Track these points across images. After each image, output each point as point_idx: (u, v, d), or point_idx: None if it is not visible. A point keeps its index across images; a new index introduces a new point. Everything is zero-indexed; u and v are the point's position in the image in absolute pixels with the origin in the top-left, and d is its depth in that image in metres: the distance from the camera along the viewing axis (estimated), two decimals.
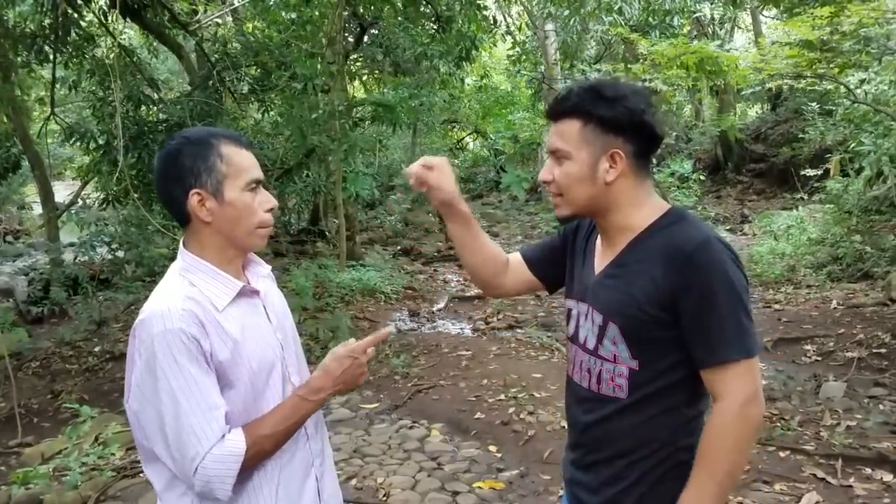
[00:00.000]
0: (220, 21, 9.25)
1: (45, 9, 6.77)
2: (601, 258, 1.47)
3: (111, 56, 6.97)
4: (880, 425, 3.96)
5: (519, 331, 6.79)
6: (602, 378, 1.41)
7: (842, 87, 7.67)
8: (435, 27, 9.26)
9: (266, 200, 1.41)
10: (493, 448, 4.06)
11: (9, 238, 14.66)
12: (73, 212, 8.75)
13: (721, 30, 15.31)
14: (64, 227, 9.36)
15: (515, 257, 1.70)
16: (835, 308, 6.60)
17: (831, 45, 6.16)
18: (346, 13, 8.51)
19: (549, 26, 10.88)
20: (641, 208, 1.39)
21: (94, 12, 7.55)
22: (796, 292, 7.51)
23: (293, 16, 8.36)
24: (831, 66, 6.50)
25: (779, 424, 4.07)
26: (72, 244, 9.18)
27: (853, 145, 8.01)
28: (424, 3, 8.86)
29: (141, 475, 3.67)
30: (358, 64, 12.23)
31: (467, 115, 17.42)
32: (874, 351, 5.31)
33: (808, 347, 5.67)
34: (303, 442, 1.47)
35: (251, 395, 1.36)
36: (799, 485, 3.36)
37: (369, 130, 10.55)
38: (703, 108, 17.59)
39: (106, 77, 7.07)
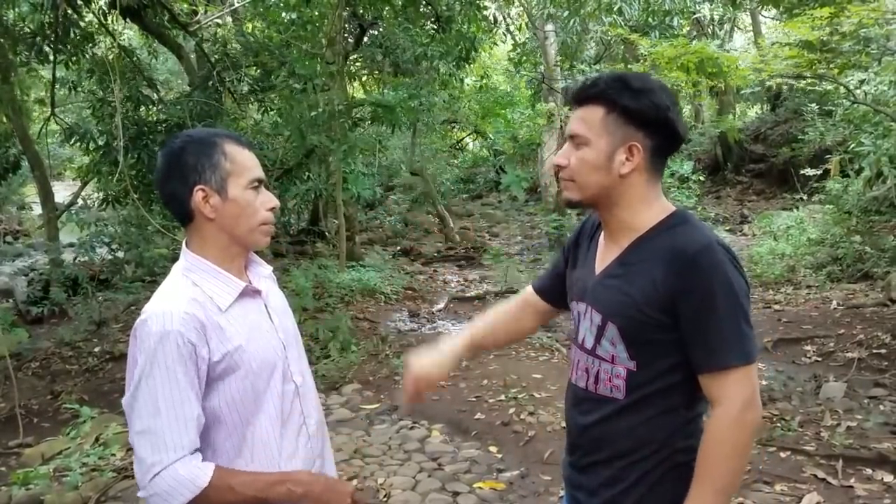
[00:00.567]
0: (219, 21, 9.24)
1: (44, 8, 6.77)
2: (603, 258, 1.46)
3: (111, 56, 6.96)
4: (880, 426, 3.96)
5: None
6: (600, 378, 1.41)
7: (841, 87, 7.68)
8: (435, 27, 9.26)
9: (268, 200, 1.43)
10: (493, 448, 4.06)
11: (8, 238, 14.64)
12: (72, 212, 8.74)
13: (721, 30, 15.31)
14: (64, 228, 9.35)
15: (529, 293, 1.75)
16: (835, 308, 6.60)
17: (831, 45, 6.16)
18: (345, 13, 8.51)
19: (549, 27, 10.87)
20: (649, 208, 1.39)
21: (93, 13, 7.54)
22: (796, 293, 7.51)
23: (293, 16, 8.36)
24: (831, 66, 6.50)
25: (779, 425, 4.07)
26: (71, 244, 9.18)
27: (853, 146, 8.01)
28: (424, 3, 8.86)
29: None
30: (358, 64, 12.23)
31: (467, 115, 17.40)
32: (874, 351, 5.30)
33: (808, 348, 5.67)
34: (304, 441, 1.47)
35: (251, 396, 1.36)
36: (799, 485, 3.36)
37: (369, 131, 10.56)
38: (703, 109, 17.60)
39: (106, 77, 7.07)
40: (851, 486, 3.32)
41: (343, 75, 9.13)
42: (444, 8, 8.93)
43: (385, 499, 3.47)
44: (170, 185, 1.38)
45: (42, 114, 11.47)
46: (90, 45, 7.57)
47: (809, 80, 7.14)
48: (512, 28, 13.19)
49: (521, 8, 12.11)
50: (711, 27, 15.14)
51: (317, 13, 8.38)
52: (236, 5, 8.91)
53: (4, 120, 9.06)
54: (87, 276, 7.85)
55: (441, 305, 8.34)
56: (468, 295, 8.85)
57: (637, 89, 1.33)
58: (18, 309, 8.25)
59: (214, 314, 1.34)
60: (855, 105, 8.08)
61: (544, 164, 11.19)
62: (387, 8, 8.78)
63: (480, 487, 3.56)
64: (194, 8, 8.75)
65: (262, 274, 1.53)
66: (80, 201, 9.81)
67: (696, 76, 7.27)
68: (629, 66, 8.40)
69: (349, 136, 8.01)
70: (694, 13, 12.05)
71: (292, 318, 1.59)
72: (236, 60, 7.82)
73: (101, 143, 7.46)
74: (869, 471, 3.46)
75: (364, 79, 13.64)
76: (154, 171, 1.49)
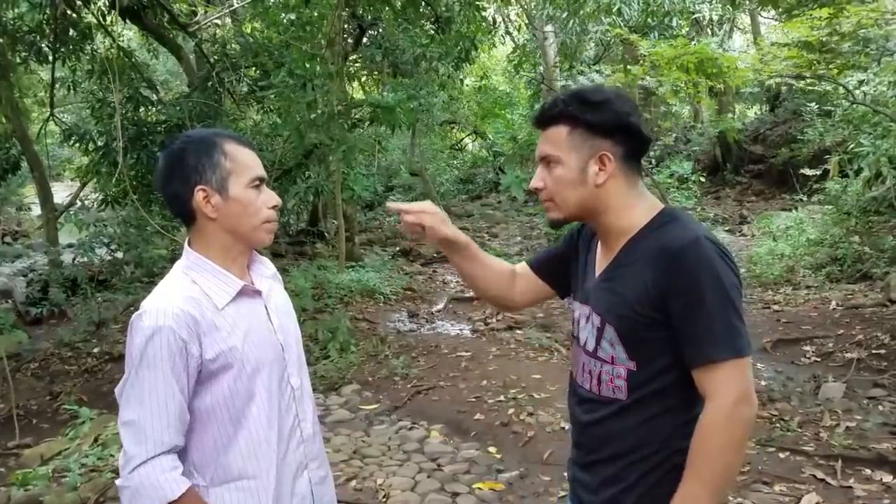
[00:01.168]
0: (219, 22, 9.24)
1: (43, 7, 6.77)
2: (601, 261, 1.48)
3: (110, 54, 6.96)
4: (880, 426, 3.96)
5: (518, 332, 6.78)
6: (602, 380, 1.42)
7: (841, 88, 7.68)
8: (434, 28, 9.27)
9: (269, 198, 1.43)
10: (492, 449, 4.06)
11: (8, 239, 14.65)
12: (72, 213, 8.73)
13: (720, 31, 15.32)
14: (63, 229, 9.34)
15: (522, 267, 1.72)
16: (834, 309, 6.60)
17: (830, 46, 6.17)
18: (345, 14, 8.50)
19: (549, 28, 10.89)
20: (633, 209, 1.41)
21: (92, 13, 7.54)
22: (795, 293, 7.51)
23: (292, 17, 8.36)
24: (830, 67, 6.50)
25: (778, 425, 4.08)
26: (71, 245, 9.17)
27: (852, 146, 8.02)
28: (423, 4, 8.87)
29: None
30: (357, 65, 12.23)
31: (466, 115, 17.42)
32: (873, 352, 5.30)
33: (808, 348, 5.67)
34: (297, 444, 1.47)
35: (244, 396, 1.36)
36: (799, 486, 3.36)
37: (368, 131, 10.55)
38: (702, 109, 17.58)
39: (105, 77, 7.07)
40: (850, 487, 3.32)
41: (342, 76, 9.13)
42: (444, 9, 8.94)
43: (384, 499, 3.47)
44: (171, 187, 1.39)
45: (41, 114, 11.47)
46: (89, 42, 7.57)
47: (809, 81, 7.15)
48: (511, 29, 13.21)
49: (521, 9, 12.12)
50: (711, 27, 15.15)
51: (316, 14, 8.37)
52: (235, 6, 8.91)
53: (4, 120, 9.06)
54: (87, 277, 7.84)
55: (440, 306, 8.34)
56: (467, 295, 8.84)
57: (596, 102, 1.37)
58: (17, 310, 8.25)
59: (210, 312, 1.34)
60: (854, 105, 8.10)
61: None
62: (386, 9, 8.78)
63: (480, 488, 3.56)
64: (194, 9, 8.75)
65: (265, 274, 1.53)
66: (79, 202, 9.81)
67: (695, 76, 7.27)
68: (628, 67, 8.39)
69: (348, 136, 8.01)
70: (693, 14, 12.05)
71: (295, 319, 1.58)
72: (235, 61, 7.82)
73: (100, 143, 7.45)
74: (868, 471, 3.46)
75: (363, 79, 13.64)
76: (154, 172, 1.49)
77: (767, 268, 8.36)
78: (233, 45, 8.56)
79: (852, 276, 7.67)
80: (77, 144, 7.63)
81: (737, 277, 1.32)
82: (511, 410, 4.54)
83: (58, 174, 17.41)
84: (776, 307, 7.05)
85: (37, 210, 12.44)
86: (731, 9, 12.49)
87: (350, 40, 10.10)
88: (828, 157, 9.86)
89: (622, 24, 9.30)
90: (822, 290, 7.41)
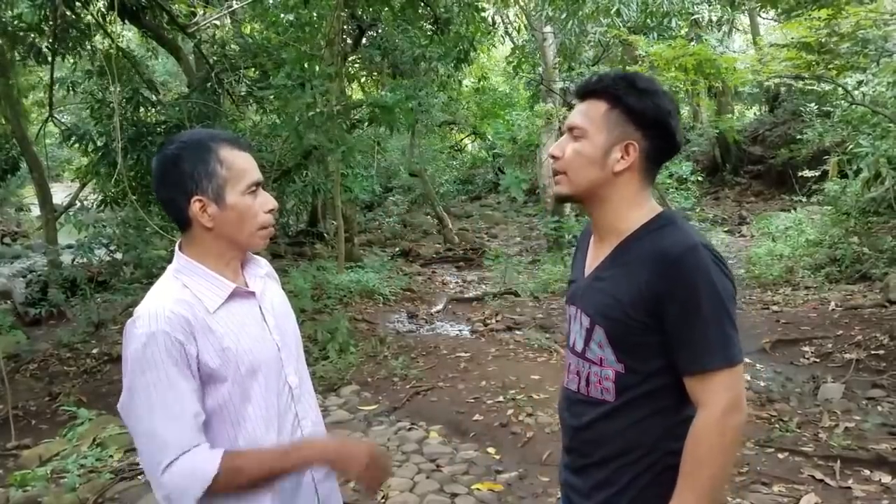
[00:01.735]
0: (218, 23, 9.24)
1: (43, 8, 6.77)
2: (592, 260, 1.47)
3: (109, 54, 6.96)
4: (878, 427, 3.96)
5: (517, 332, 6.78)
6: (590, 381, 1.41)
7: (840, 88, 7.69)
8: (433, 29, 9.27)
9: (266, 202, 1.41)
10: (491, 450, 4.06)
11: (7, 240, 14.65)
12: (71, 213, 8.74)
13: (719, 31, 15.32)
14: (62, 229, 9.34)
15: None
16: (833, 309, 6.60)
17: (829, 46, 6.17)
18: (344, 15, 8.50)
19: (548, 28, 10.89)
20: (636, 209, 1.39)
21: (91, 14, 7.54)
22: (794, 294, 7.51)
23: (291, 18, 8.36)
24: (829, 67, 6.50)
25: (777, 426, 4.08)
26: (70, 246, 9.17)
27: (851, 147, 8.03)
28: (423, 4, 8.87)
29: (139, 477, 3.67)
30: (356, 65, 12.23)
31: (466, 116, 17.42)
32: (872, 352, 5.30)
33: (807, 349, 5.67)
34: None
35: (240, 397, 1.35)
36: (797, 486, 3.36)
37: (367, 132, 10.56)
38: (702, 110, 17.60)
39: (104, 78, 7.07)
40: (849, 487, 3.32)
41: (341, 76, 9.13)
42: (443, 9, 8.94)
43: (383, 500, 3.47)
44: (166, 192, 1.37)
45: (40, 115, 11.47)
46: (88, 41, 7.56)
47: (808, 82, 7.15)
48: (510, 30, 13.21)
49: (520, 10, 12.12)
50: (710, 28, 15.15)
51: (315, 14, 8.38)
52: (235, 7, 8.91)
53: (3, 121, 9.06)
54: (86, 278, 7.84)
55: (440, 306, 8.34)
56: (467, 296, 8.86)
57: (642, 89, 1.34)
58: (17, 310, 8.25)
59: (203, 315, 1.33)
60: (853, 106, 8.09)
61: (543, 166, 11.21)
62: (385, 9, 8.79)
63: (478, 489, 3.56)
64: (193, 9, 8.75)
65: (259, 273, 1.52)
66: (78, 203, 9.81)
67: (694, 76, 7.27)
68: (627, 68, 8.40)
69: (347, 137, 8.01)
70: (692, 14, 12.05)
71: (292, 318, 1.57)
72: (235, 62, 7.82)
73: (99, 144, 7.45)
74: (867, 472, 3.47)
75: (362, 80, 13.64)
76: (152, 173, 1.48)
77: (766, 268, 8.36)
78: (232, 46, 8.57)
79: (851, 276, 7.68)
80: (76, 145, 7.63)
81: (732, 287, 1.31)
82: (510, 411, 4.55)
83: (57, 175, 17.41)
84: (775, 308, 7.05)
85: (36, 211, 12.45)
86: (730, 10, 12.48)
87: (349, 41, 10.10)
88: (827, 157, 9.87)
89: (621, 24, 9.29)
90: (822, 290, 7.41)
